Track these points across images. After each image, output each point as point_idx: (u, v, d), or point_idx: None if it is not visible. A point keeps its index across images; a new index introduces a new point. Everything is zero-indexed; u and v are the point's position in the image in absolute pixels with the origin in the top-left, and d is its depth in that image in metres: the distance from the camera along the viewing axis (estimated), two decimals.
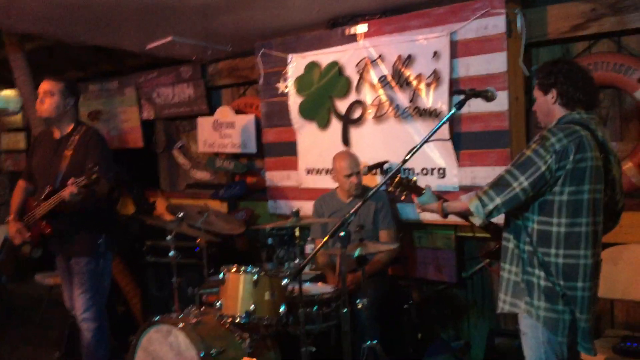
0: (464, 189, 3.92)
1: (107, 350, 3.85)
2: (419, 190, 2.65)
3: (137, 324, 4.91)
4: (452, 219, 3.77)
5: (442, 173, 4.00)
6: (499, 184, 2.36)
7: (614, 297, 3.46)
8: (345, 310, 2.61)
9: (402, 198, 2.76)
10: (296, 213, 3.24)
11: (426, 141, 2.42)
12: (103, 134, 3.90)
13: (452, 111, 2.51)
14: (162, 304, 4.75)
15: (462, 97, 2.46)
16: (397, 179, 2.65)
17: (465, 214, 2.54)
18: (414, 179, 2.67)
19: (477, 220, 2.50)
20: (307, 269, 4.09)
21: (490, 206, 2.36)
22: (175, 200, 5.98)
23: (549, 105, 2.47)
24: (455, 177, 3.94)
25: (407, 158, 2.43)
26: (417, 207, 2.70)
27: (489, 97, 2.44)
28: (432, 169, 4.04)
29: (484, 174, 3.83)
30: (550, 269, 2.36)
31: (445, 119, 2.52)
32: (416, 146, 2.45)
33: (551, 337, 2.39)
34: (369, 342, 3.28)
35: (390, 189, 2.72)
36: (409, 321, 3.87)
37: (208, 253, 4.16)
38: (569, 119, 2.42)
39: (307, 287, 3.60)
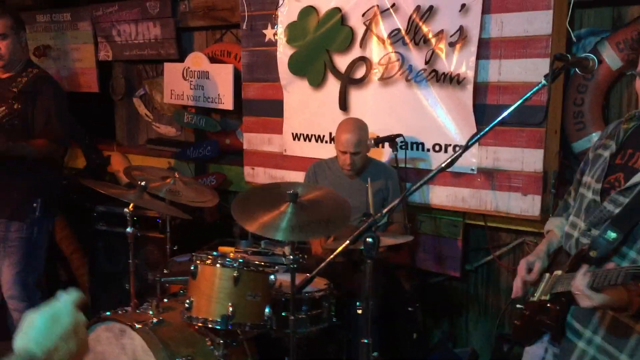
0: (484, 173, 3.33)
1: None
2: None
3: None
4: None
5: (457, 151, 3.36)
6: None
7: None
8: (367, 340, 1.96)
9: None
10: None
11: (495, 125, 1.81)
12: (52, 75, 3.57)
13: (542, 83, 1.88)
14: (114, 281, 4.07)
15: (558, 65, 1.83)
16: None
17: None
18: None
19: None
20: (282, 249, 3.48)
21: None
22: (133, 156, 5.22)
23: None
24: (474, 157, 3.33)
25: (470, 144, 1.81)
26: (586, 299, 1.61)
27: (589, 69, 1.81)
28: (447, 146, 3.43)
29: (509, 157, 3.25)
30: None
31: (531, 92, 1.89)
32: (481, 131, 1.83)
33: None
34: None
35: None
36: (411, 323, 3.30)
37: (172, 225, 3.54)
38: None
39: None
